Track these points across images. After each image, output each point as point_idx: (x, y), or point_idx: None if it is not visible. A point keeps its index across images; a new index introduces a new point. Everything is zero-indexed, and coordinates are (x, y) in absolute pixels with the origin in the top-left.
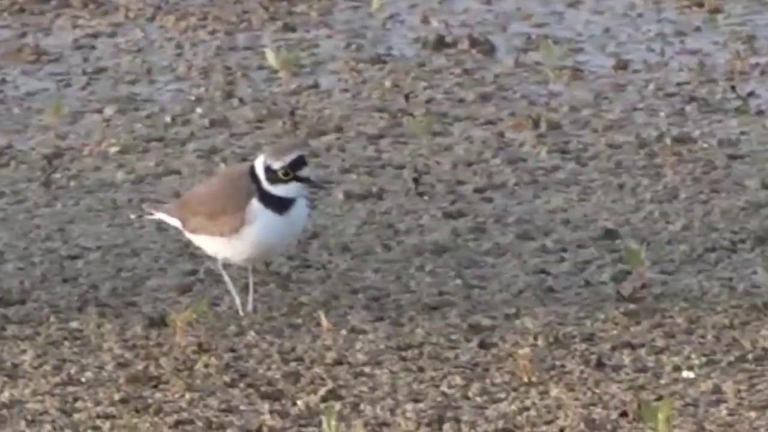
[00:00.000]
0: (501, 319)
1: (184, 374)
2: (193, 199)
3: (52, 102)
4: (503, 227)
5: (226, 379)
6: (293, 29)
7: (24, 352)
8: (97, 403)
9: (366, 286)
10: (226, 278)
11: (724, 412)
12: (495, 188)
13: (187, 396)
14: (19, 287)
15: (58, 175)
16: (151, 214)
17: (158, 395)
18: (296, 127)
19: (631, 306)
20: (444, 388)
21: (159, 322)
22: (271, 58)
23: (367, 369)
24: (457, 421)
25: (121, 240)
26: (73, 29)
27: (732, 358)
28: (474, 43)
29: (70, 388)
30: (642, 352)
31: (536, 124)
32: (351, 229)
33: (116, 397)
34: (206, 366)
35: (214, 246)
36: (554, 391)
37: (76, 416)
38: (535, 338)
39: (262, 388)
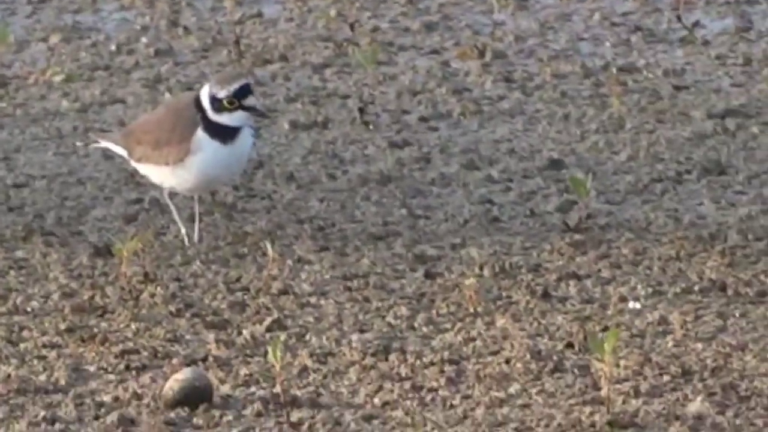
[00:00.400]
0: (447, 249)
1: (129, 304)
2: (139, 129)
3: None
4: (448, 157)
5: (172, 308)
6: None
7: None
8: (43, 333)
9: (311, 215)
10: (172, 208)
11: (671, 343)
12: (440, 118)
13: (133, 326)
14: None
15: (3, 104)
16: (97, 142)
17: (104, 325)
18: (241, 57)
19: (577, 236)
20: (390, 318)
21: (104, 251)
22: None
23: (312, 299)
24: (403, 351)
25: (66, 169)
26: None
27: (678, 290)
28: None
29: (16, 318)
30: (588, 282)
31: (481, 53)
32: (296, 159)
33: (62, 326)
34: (152, 296)
35: (160, 175)
36: (500, 322)
37: (22, 345)
38: (481, 268)
39: (208, 318)
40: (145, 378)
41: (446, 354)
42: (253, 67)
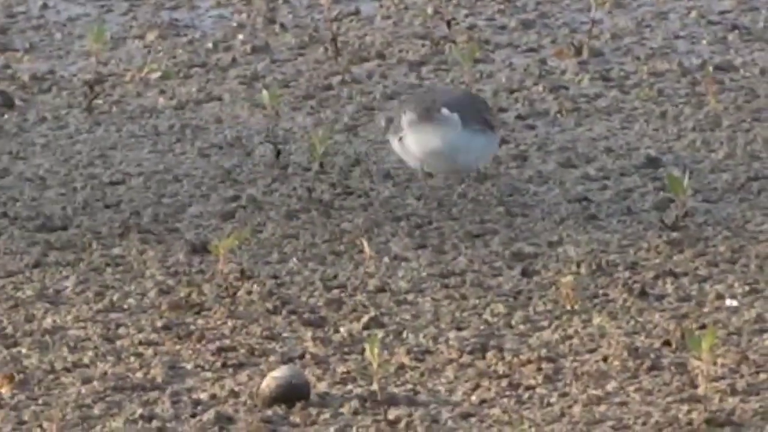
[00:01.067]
0: (544, 247)
1: (226, 301)
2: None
3: (93, 28)
4: (545, 155)
5: (269, 306)
6: None
7: (66, 278)
8: (140, 330)
9: (408, 213)
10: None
11: None
12: (537, 116)
13: (230, 323)
14: (61, 213)
15: (99, 101)
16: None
17: (200, 322)
18: (338, 54)
19: (674, 234)
20: (487, 316)
21: (201, 248)
22: None
23: (409, 297)
24: (500, 349)
25: (163, 166)
26: None
27: None
28: None
29: (113, 315)
30: (685, 280)
31: (578, 51)
32: (393, 157)
33: (159, 323)
34: (249, 293)
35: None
36: (597, 320)
37: (118, 343)
38: (578, 266)
39: (305, 316)
40: (242, 376)
41: (543, 352)
42: (350, 65)
